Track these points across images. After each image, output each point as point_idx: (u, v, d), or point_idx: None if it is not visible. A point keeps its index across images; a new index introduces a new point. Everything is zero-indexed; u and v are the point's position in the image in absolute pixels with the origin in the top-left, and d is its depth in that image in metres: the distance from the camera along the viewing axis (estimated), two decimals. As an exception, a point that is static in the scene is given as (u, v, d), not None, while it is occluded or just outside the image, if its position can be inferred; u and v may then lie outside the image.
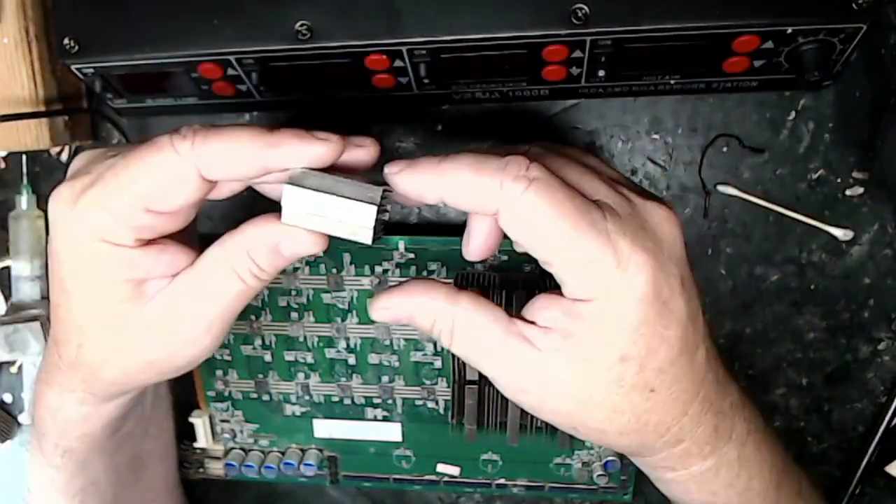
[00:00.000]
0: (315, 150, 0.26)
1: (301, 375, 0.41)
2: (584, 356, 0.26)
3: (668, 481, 0.31)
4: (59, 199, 0.27)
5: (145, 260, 0.27)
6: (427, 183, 0.26)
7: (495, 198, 0.25)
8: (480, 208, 0.26)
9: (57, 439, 0.34)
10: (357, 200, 0.26)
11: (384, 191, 0.27)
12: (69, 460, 0.34)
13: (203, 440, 0.43)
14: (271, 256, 0.27)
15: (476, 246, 0.29)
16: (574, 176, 0.27)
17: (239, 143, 0.25)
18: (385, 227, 0.28)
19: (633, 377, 0.26)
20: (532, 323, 0.27)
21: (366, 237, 0.26)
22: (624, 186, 0.27)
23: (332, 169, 0.27)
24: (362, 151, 0.28)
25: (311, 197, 0.26)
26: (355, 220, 0.26)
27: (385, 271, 0.38)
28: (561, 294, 0.26)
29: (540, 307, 0.27)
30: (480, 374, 0.38)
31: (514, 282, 0.36)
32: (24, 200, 0.42)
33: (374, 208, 0.26)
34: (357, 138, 0.27)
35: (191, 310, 0.28)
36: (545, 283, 0.36)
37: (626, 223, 0.25)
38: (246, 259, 0.27)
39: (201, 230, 0.43)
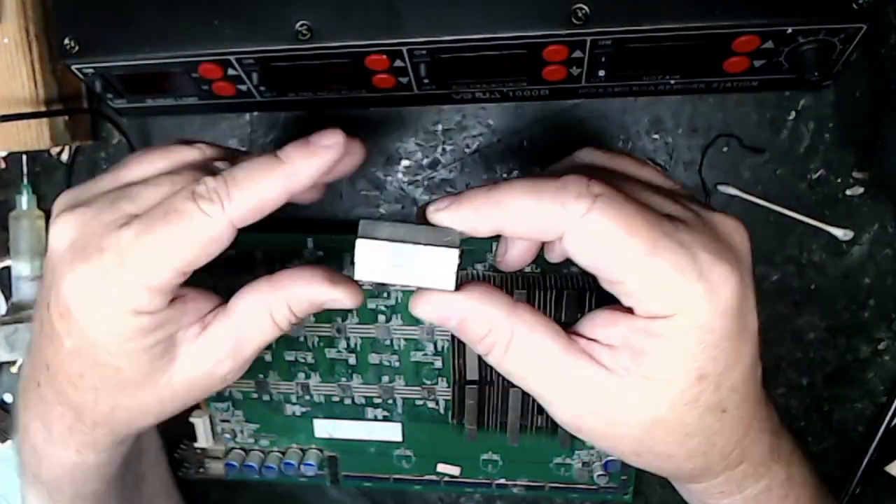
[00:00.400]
0: (325, 158, 0.26)
1: (301, 375, 0.41)
2: (659, 376, 0.24)
3: None
4: (79, 285, 0.25)
5: (175, 316, 0.27)
6: (481, 217, 0.25)
7: (559, 220, 0.23)
8: (543, 234, 0.24)
9: (58, 484, 0.32)
10: (437, 246, 0.24)
11: (460, 233, 0.25)
12: (69, 485, 0.32)
13: (203, 440, 0.43)
14: (311, 308, 0.27)
15: (514, 257, 0.28)
16: (636, 189, 0.25)
17: (263, 190, 0.25)
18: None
19: (709, 396, 0.24)
20: (593, 341, 0.25)
21: (448, 283, 0.25)
22: (686, 198, 0.26)
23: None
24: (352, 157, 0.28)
25: (387, 249, 0.25)
26: (436, 266, 0.25)
27: (385, 271, 0.38)
28: (623, 310, 0.24)
29: (603, 324, 0.25)
30: (480, 375, 0.38)
31: (515, 282, 0.36)
32: (25, 200, 0.42)
33: (457, 252, 0.24)
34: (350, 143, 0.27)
35: (228, 353, 0.28)
36: (545, 283, 0.36)
37: (701, 234, 0.24)
38: (285, 309, 0.27)
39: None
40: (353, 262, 0.25)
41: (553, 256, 0.28)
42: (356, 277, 0.25)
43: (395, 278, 0.25)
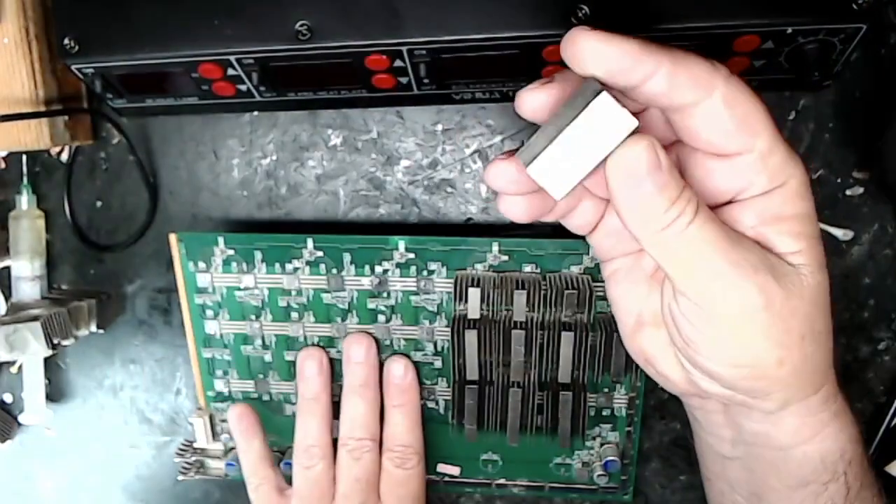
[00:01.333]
0: None
1: (301, 375, 0.41)
2: (808, 244, 0.26)
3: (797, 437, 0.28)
4: None
5: None
6: (646, 56, 0.23)
7: (712, 76, 0.23)
8: (698, 87, 0.23)
9: None
10: (587, 105, 0.23)
11: (593, 78, 0.23)
12: None
13: (203, 440, 0.43)
14: None
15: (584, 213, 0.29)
16: None
17: None
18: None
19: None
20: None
21: (631, 122, 0.23)
22: None
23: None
24: None
25: (555, 151, 0.23)
26: (605, 120, 0.23)
27: (385, 271, 0.38)
28: (747, 206, 0.25)
29: (738, 214, 0.26)
30: (480, 375, 0.38)
31: (515, 282, 0.36)
32: (25, 200, 0.43)
33: (605, 92, 0.23)
34: None
35: None
36: (546, 283, 0.36)
37: None
38: None
39: (202, 229, 0.43)
40: (543, 188, 0.24)
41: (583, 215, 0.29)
42: (557, 198, 0.24)
43: (586, 168, 0.23)
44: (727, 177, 0.25)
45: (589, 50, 0.23)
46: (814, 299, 0.26)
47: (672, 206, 0.24)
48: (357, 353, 0.39)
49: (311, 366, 0.39)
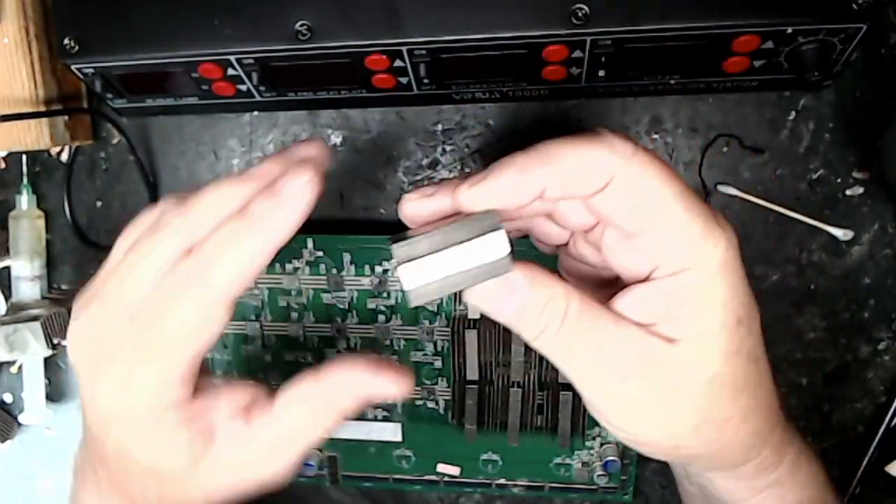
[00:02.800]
0: (300, 208, 0.24)
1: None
2: (706, 330, 0.24)
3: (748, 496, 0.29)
4: (105, 393, 0.25)
5: (205, 408, 0.26)
6: (526, 177, 0.23)
7: (608, 164, 0.23)
8: (591, 181, 0.23)
9: None
10: (481, 236, 0.23)
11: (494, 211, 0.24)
12: None
13: (203, 440, 0.43)
14: (357, 405, 0.26)
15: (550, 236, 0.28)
16: None
17: (240, 265, 0.24)
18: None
19: (747, 342, 0.25)
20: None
21: (507, 268, 0.23)
22: None
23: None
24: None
25: (432, 263, 0.23)
26: (489, 257, 0.23)
27: (385, 271, 0.38)
28: (645, 282, 0.24)
29: (636, 301, 0.24)
30: (480, 375, 0.38)
31: (514, 282, 0.36)
32: (24, 200, 0.43)
33: (503, 231, 0.23)
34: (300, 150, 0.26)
35: (271, 454, 0.27)
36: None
37: None
38: (332, 413, 0.26)
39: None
40: (401, 291, 0.24)
41: (555, 238, 0.27)
42: (412, 305, 0.24)
43: (451, 288, 0.23)
44: (635, 256, 0.25)
45: (471, 198, 0.24)
46: (708, 392, 0.24)
47: (539, 317, 0.24)
48: (298, 150, 0.27)
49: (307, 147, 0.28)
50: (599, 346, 0.24)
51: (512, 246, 0.23)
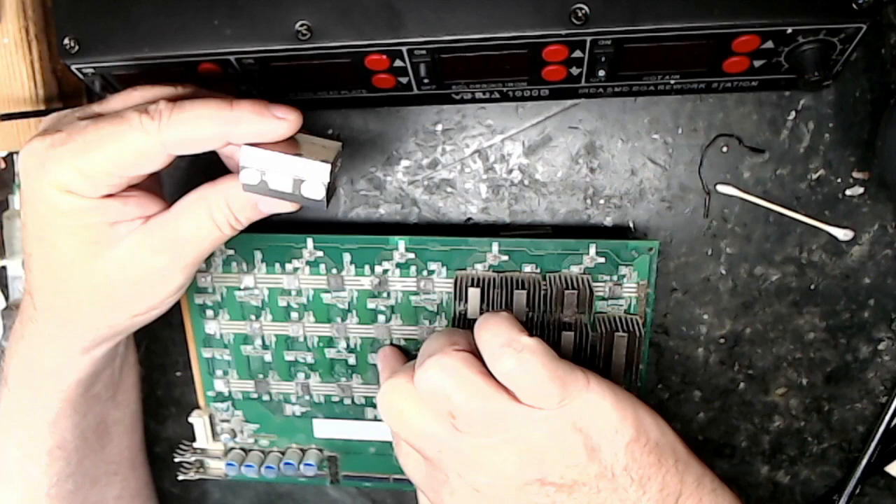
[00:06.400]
0: (273, 127, 0.28)
1: (301, 375, 0.41)
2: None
3: None
4: (31, 152, 0.29)
5: (112, 206, 0.29)
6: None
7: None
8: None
9: (29, 396, 0.34)
10: (314, 160, 0.28)
11: (338, 150, 0.29)
12: (38, 419, 0.35)
13: (203, 440, 0.43)
14: (250, 210, 0.30)
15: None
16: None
17: (202, 123, 0.27)
18: (334, 190, 0.31)
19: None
20: None
21: (319, 194, 0.28)
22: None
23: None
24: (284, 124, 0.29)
25: (268, 156, 0.28)
26: (310, 177, 0.28)
27: (385, 271, 0.38)
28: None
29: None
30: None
31: (515, 282, 0.36)
32: (19, 200, 0.42)
33: (328, 166, 0.28)
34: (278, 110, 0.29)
35: (166, 250, 0.30)
36: (545, 283, 0.36)
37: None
38: (225, 209, 0.30)
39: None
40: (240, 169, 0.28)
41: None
42: (240, 181, 0.29)
43: (274, 184, 0.28)
44: None
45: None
46: None
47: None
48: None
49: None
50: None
51: (331, 181, 0.29)
